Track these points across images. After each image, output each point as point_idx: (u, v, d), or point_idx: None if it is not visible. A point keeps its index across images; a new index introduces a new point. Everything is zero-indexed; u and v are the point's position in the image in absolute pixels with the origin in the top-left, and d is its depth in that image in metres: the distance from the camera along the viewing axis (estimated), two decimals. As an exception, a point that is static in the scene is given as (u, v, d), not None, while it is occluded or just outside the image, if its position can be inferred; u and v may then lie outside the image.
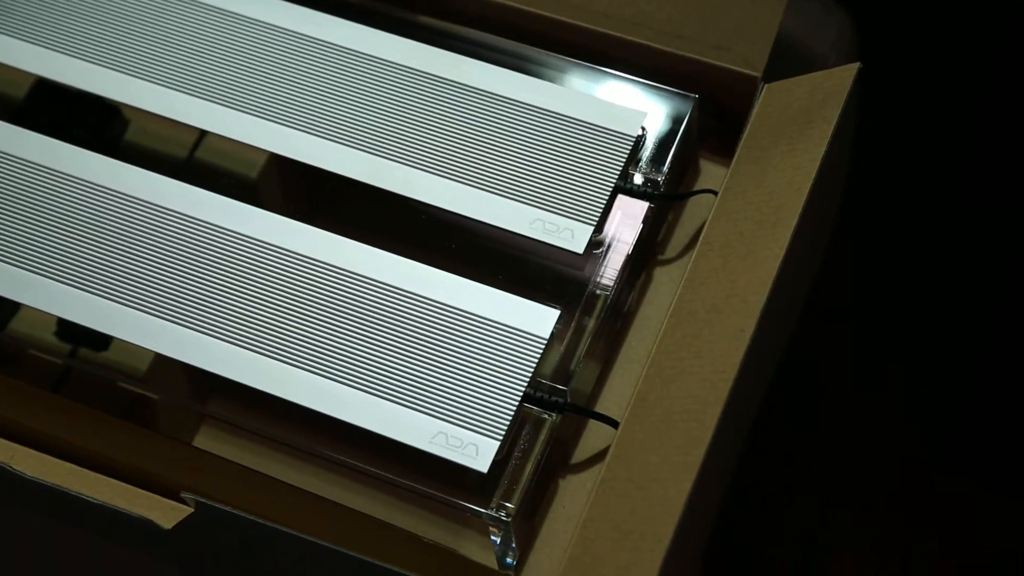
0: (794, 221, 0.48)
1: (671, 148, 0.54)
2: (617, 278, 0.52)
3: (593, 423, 0.51)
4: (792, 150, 0.50)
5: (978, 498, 0.67)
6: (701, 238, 0.50)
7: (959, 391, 0.70)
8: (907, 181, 0.76)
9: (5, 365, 0.54)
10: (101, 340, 0.52)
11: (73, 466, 0.47)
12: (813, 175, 0.49)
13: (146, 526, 0.46)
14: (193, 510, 0.46)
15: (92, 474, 0.47)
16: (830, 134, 0.49)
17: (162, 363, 0.51)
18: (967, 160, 0.76)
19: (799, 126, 0.51)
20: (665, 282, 0.54)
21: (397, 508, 0.51)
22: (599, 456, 0.51)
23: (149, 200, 0.54)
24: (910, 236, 0.75)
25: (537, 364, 0.49)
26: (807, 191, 0.48)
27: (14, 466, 0.45)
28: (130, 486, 0.47)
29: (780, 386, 0.58)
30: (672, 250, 0.55)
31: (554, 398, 0.49)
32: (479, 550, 0.50)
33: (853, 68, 0.51)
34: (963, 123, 0.77)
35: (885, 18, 0.74)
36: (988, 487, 0.67)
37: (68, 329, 0.53)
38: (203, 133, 0.57)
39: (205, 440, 0.53)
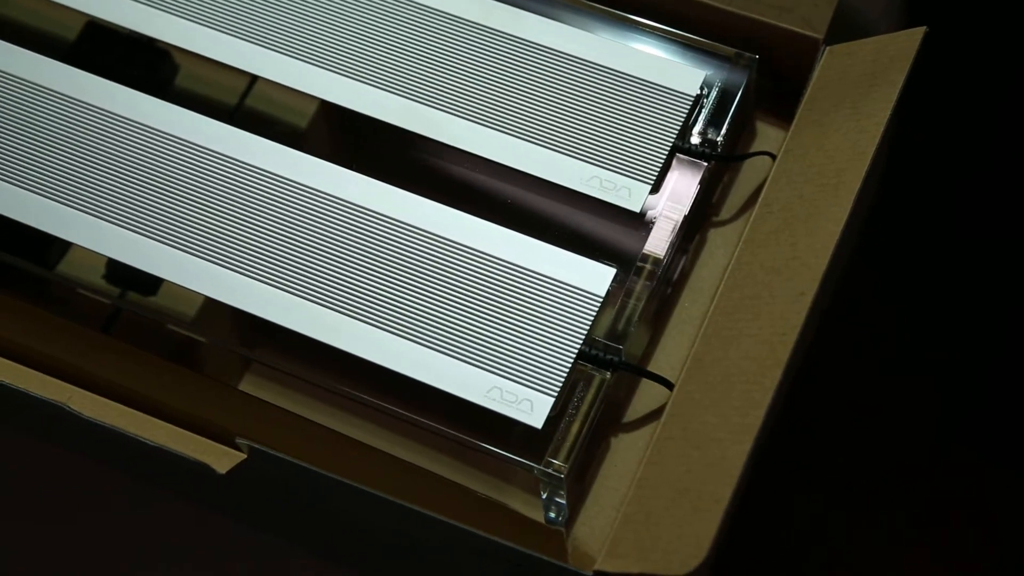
0: (857, 185, 0.47)
1: (729, 109, 0.53)
2: (672, 239, 0.51)
3: (645, 384, 0.51)
4: (855, 113, 0.50)
5: (990, 489, 0.67)
6: (760, 200, 0.50)
7: (975, 387, 0.70)
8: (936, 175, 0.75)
9: (54, 305, 0.54)
10: (151, 282, 0.52)
11: (127, 408, 0.47)
12: (877, 139, 0.48)
13: (199, 470, 0.46)
14: (247, 456, 0.46)
15: (147, 417, 0.47)
16: (895, 98, 0.49)
17: (211, 307, 0.51)
18: (1004, 141, 0.75)
19: (863, 89, 0.50)
20: (719, 244, 0.54)
21: (439, 460, 0.51)
22: (651, 416, 0.51)
23: (201, 144, 0.53)
24: (921, 237, 0.74)
25: (592, 322, 0.49)
26: (871, 155, 0.48)
27: (72, 406, 0.45)
28: (184, 430, 0.47)
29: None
30: (727, 212, 0.55)
31: (608, 356, 0.49)
32: (522, 505, 0.50)
33: (919, 32, 0.50)
34: (1004, 97, 0.76)
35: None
36: (1001, 468, 0.67)
37: (118, 271, 0.53)
38: (254, 79, 0.56)
39: (250, 386, 0.53)
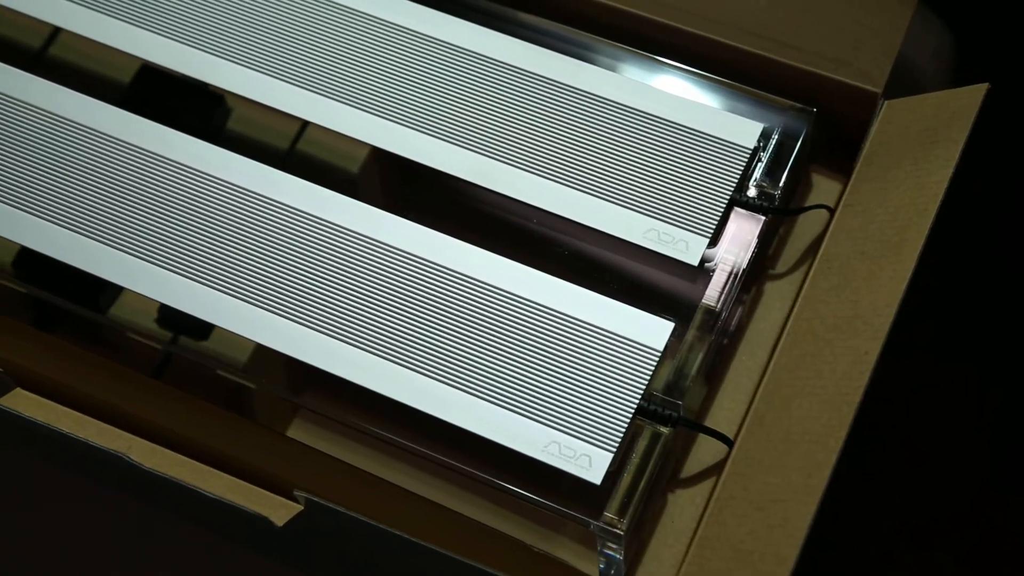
0: (920, 243, 0.47)
1: (787, 162, 0.53)
2: (729, 292, 0.51)
3: (702, 437, 0.51)
4: (916, 170, 0.49)
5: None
6: (819, 255, 0.50)
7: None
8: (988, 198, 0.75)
9: (105, 348, 0.54)
10: (202, 328, 0.52)
11: (184, 457, 0.47)
12: (940, 197, 0.48)
13: (254, 520, 0.46)
14: (304, 508, 0.46)
15: (204, 467, 0.47)
16: (957, 157, 0.49)
17: (263, 353, 0.51)
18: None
19: (924, 146, 0.50)
20: (775, 297, 0.54)
21: (488, 509, 0.51)
22: (709, 472, 0.50)
23: (252, 189, 0.54)
24: (975, 287, 0.73)
25: (651, 376, 0.49)
26: (933, 213, 0.48)
27: (132, 457, 0.45)
28: (240, 480, 0.47)
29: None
30: (783, 265, 0.54)
31: (667, 412, 0.48)
32: (573, 557, 0.50)
33: (980, 90, 0.50)
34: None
35: (981, 33, 0.73)
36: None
37: (170, 316, 0.53)
38: (305, 124, 0.57)
39: (298, 432, 0.53)
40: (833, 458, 0.43)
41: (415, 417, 0.49)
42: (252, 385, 0.53)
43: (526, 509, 0.50)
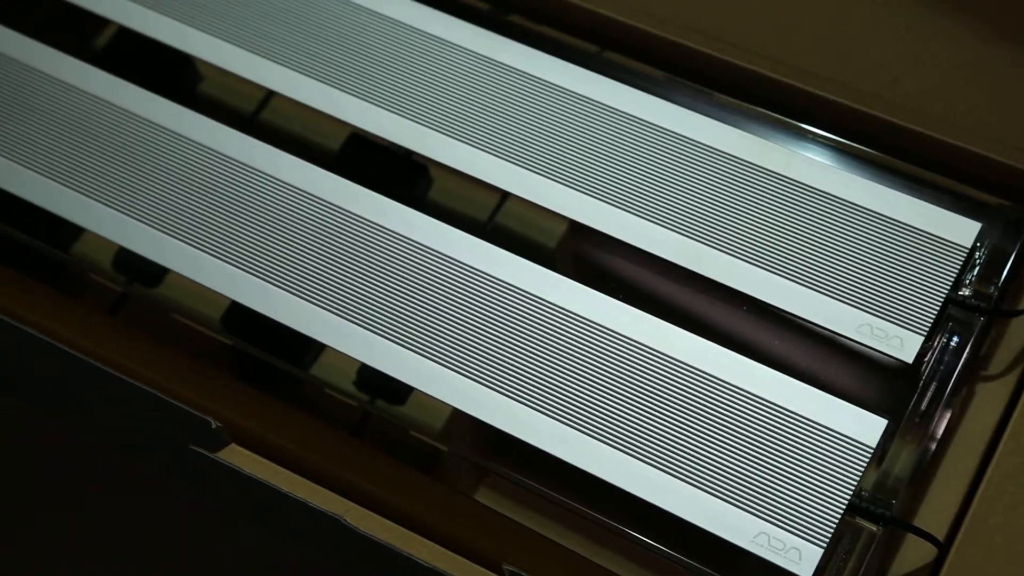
0: None
1: (1004, 263, 0.53)
2: (941, 391, 0.50)
3: (909, 538, 0.50)
4: None
5: None
6: (1039, 360, 0.49)
7: None
8: None
9: (307, 406, 0.55)
10: (401, 391, 0.53)
11: (391, 523, 0.48)
12: None
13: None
14: (512, 582, 0.46)
15: (411, 533, 0.48)
16: None
17: (458, 419, 0.52)
18: None
19: None
20: (987, 399, 0.53)
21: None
22: (915, 574, 0.49)
23: (454, 256, 0.54)
24: None
25: (863, 473, 0.48)
26: None
27: (348, 520, 0.46)
28: (449, 551, 0.47)
29: None
30: (995, 366, 0.53)
31: (879, 509, 0.48)
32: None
33: None
34: None
35: None
36: None
37: (369, 377, 0.53)
38: (505, 196, 0.57)
39: (485, 498, 0.53)
40: (1064, 572, 0.42)
41: (621, 497, 0.49)
42: (445, 448, 0.53)
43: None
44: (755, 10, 0.60)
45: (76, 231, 0.58)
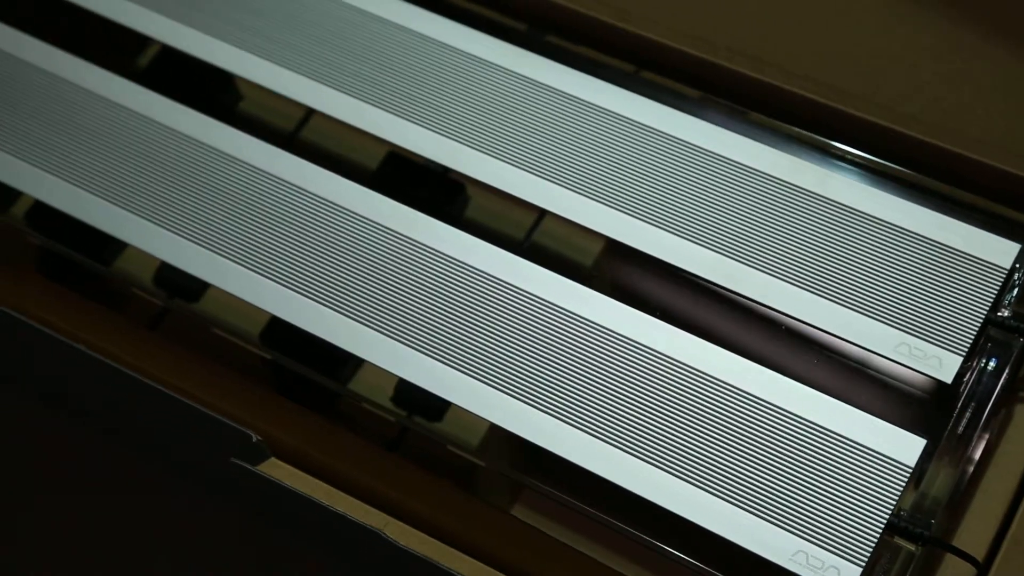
0: None
1: (1044, 284, 0.53)
2: (979, 412, 0.50)
3: (948, 558, 0.50)
4: None
5: None
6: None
7: None
8: None
9: (345, 421, 0.56)
10: (439, 407, 0.53)
11: (428, 537, 0.48)
12: None
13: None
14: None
15: (448, 548, 0.48)
16: None
17: (496, 433, 0.52)
18: None
19: None
20: (1024, 420, 0.53)
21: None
22: (954, 594, 0.49)
23: (491, 273, 0.55)
24: None
25: (901, 493, 0.48)
26: None
27: (387, 534, 0.46)
28: (487, 567, 0.47)
29: None
30: (1033, 388, 0.54)
31: (918, 529, 0.48)
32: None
33: None
34: None
35: None
36: None
37: (407, 392, 0.54)
38: (542, 213, 0.58)
39: (521, 513, 0.53)
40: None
41: (649, 511, 0.49)
42: (482, 463, 0.53)
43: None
44: (792, 31, 0.60)
45: (119, 246, 0.59)
